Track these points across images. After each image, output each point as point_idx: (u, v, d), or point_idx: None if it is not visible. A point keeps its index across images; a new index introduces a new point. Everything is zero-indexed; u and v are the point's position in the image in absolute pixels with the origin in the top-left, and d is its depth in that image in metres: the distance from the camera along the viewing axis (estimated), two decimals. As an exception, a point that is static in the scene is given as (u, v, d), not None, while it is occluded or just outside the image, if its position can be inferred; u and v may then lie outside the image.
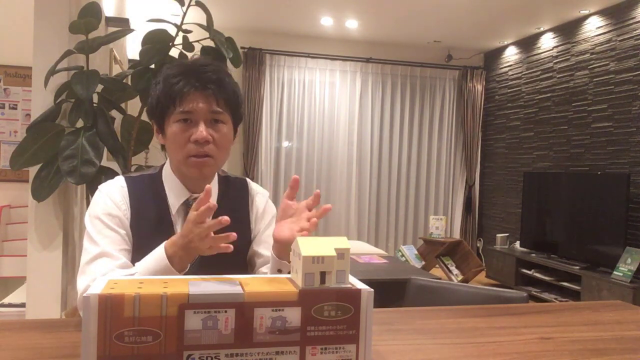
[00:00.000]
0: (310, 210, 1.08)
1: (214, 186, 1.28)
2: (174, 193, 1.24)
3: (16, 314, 2.84)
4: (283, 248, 1.09)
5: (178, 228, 1.22)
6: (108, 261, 1.13)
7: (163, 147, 1.26)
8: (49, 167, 2.32)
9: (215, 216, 1.25)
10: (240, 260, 1.29)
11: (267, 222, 1.34)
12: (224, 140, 1.21)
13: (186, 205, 1.23)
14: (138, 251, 1.17)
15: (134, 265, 1.14)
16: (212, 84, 1.17)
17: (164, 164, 1.29)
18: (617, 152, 4.53)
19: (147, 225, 1.19)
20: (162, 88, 1.19)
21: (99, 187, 1.24)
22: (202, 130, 1.16)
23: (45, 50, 2.41)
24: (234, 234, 0.96)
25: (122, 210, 1.19)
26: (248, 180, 1.38)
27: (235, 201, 1.30)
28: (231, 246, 0.97)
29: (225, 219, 0.95)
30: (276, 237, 1.08)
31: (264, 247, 1.29)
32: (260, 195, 1.36)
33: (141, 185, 1.24)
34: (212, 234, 0.98)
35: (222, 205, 1.23)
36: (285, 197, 1.11)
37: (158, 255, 1.06)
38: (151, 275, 1.04)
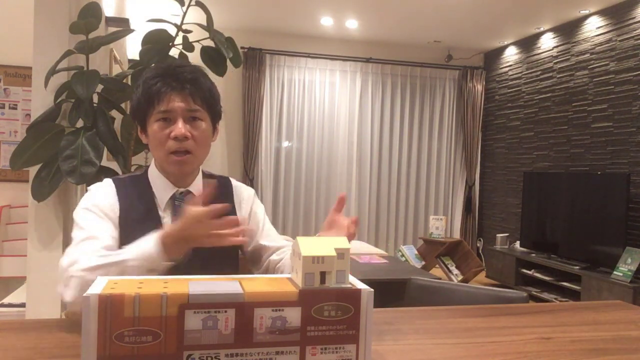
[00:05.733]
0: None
1: (198, 182, 1.33)
2: (161, 189, 1.29)
3: (16, 314, 2.84)
4: None
5: (165, 222, 1.26)
6: (94, 242, 1.15)
7: (147, 147, 1.33)
8: (49, 167, 2.32)
9: None
10: (230, 256, 1.34)
11: (262, 216, 1.42)
12: (202, 136, 1.26)
13: (173, 200, 1.28)
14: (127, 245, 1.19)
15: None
16: (188, 83, 1.23)
17: (150, 164, 1.34)
18: (617, 152, 4.53)
19: (136, 221, 1.23)
20: (141, 90, 1.25)
21: (89, 187, 1.29)
22: (180, 127, 1.21)
23: (45, 50, 2.41)
24: (244, 231, 1.07)
25: (110, 205, 1.23)
26: (231, 178, 1.43)
27: (218, 197, 1.32)
28: (240, 239, 1.07)
29: (235, 219, 1.06)
30: None
31: (268, 240, 1.39)
32: (247, 193, 1.42)
33: (128, 185, 1.28)
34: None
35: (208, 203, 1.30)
36: (333, 210, 1.21)
37: (150, 243, 1.07)
38: (140, 259, 1.05)
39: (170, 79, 1.22)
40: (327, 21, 5.51)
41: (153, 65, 1.31)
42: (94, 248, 1.14)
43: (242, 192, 1.40)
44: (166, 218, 1.26)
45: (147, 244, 1.08)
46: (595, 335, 1.15)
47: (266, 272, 1.36)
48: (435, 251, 5.57)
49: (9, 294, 3.17)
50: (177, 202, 1.27)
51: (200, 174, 1.35)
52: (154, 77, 1.24)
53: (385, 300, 1.86)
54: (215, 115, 1.30)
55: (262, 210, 1.42)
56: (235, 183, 1.41)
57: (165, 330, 0.71)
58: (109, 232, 1.20)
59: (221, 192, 1.35)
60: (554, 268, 4.76)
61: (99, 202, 1.22)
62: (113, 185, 1.27)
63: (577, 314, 1.34)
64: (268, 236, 1.39)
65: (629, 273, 3.99)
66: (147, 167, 1.34)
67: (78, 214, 1.22)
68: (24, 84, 3.96)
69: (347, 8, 5.09)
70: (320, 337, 0.77)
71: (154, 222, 1.24)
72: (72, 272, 1.08)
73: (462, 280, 5.25)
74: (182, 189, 1.29)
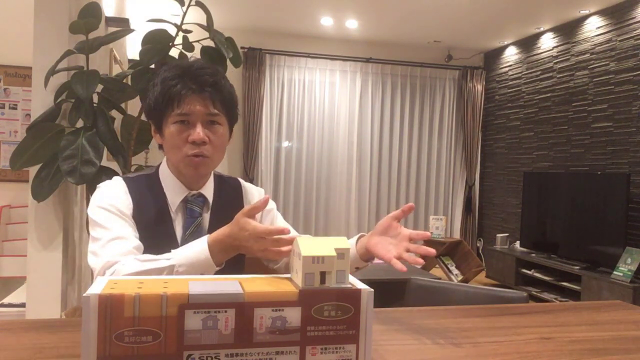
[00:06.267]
0: (411, 241, 1.13)
1: (210, 185, 1.31)
2: (173, 191, 1.26)
3: (16, 314, 2.84)
4: (370, 257, 1.20)
5: (177, 224, 1.25)
6: (124, 242, 1.14)
7: (160, 147, 1.29)
8: (49, 167, 2.32)
9: (212, 214, 1.28)
10: (236, 257, 1.31)
11: (275, 213, 1.40)
12: (220, 140, 1.24)
13: (185, 202, 1.26)
14: None
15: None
16: (208, 87, 1.20)
17: (160, 163, 1.32)
18: (617, 152, 4.53)
19: (148, 222, 1.21)
20: (159, 90, 1.21)
21: (99, 185, 1.26)
22: (199, 132, 1.19)
23: (45, 50, 2.41)
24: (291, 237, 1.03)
25: (125, 204, 1.21)
26: (241, 180, 1.42)
27: (229, 200, 1.32)
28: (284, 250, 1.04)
29: (291, 238, 1.03)
30: (372, 250, 1.15)
31: None
32: (257, 194, 1.39)
33: (139, 185, 1.26)
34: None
35: (218, 204, 1.30)
36: (392, 215, 1.17)
37: (199, 249, 1.08)
38: (189, 265, 1.07)
39: (191, 81, 1.19)
40: (327, 21, 5.51)
41: (173, 64, 1.26)
42: (125, 249, 1.12)
43: (253, 193, 1.38)
44: (177, 220, 1.25)
45: (196, 250, 1.08)
46: (595, 335, 1.15)
47: (286, 266, 1.33)
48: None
49: (9, 294, 3.17)
50: (189, 205, 1.26)
51: (212, 177, 1.33)
52: (174, 77, 1.20)
53: (385, 300, 1.86)
54: (232, 118, 1.29)
55: (273, 211, 1.40)
56: (245, 184, 1.39)
57: (165, 330, 0.71)
58: (132, 232, 1.18)
59: (231, 194, 1.34)
60: (554, 268, 4.76)
61: (114, 201, 1.20)
62: (124, 184, 1.24)
63: (577, 314, 1.34)
64: None
65: (629, 273, 3.99)
66: (157, 166, 1.31)
67: (96, 212, 1.19)
68: (24, 84, 3.96)
69: (347, 8, 5.09)
70: (320, 337, 0.77)
71: (166, 224, 1.23)
72: (112, 277, 1.07)
73: (462, 280, 5.25)
74: (194, 192, 1.27)
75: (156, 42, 2.43)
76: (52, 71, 2.28)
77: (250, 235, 1.04)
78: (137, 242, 1.16)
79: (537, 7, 4.81)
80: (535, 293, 4.87)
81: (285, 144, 6.17)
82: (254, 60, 5.88)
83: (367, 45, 6.26)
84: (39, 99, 2.41)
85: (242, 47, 5.76)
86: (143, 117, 2.33)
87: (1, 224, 3.77)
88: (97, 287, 0.72)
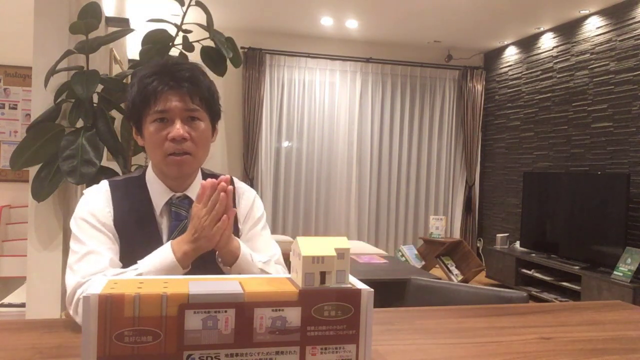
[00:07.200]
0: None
1: (196, 185, 1.27)
2: (157, 193, 1.24)
3: (16, 314, 2.84)
4: (221, 254, 1.18)
5: (163, 228, 1.22)
6: (98, 258, 1.12)
7: (143, 149, 1.26)
8: (49, 167, 2.31)
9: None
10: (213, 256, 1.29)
11: (255, 221, 1.33)
12: (201, 137, 1.21)
13: (170, 205, 1.23)
14: (124, 252, 1.17)
15: (122, 264, 1.15)
16: (186, 82, 1.17)
17: (147, 166, 1.29)
18: (617, 152, 4.53)
19: (132, 227, 1.19)
20: (136, 89, 1.19)
21: (84, 191, 1.24)
22: (178, 128, 1.16)
23: (45, 50, 2.40)
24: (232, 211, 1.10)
25: (105, 213, 1.18)
26: (234, 178, 1.38)
27: None
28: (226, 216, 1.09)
29: (228, 188, 1.10)
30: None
31: (250, 246, 1.25)
32: (247, 194, 1.35)
33: (124, 189, 1.23)
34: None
35: None
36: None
37: (164, 253, 1.09)
38: (156, 272, 1.06)
39: (167, 78, 1.16)
40: (327, 21, 5.51)
41: (150, 63, 1.24)
42: (97, 267, 1.10)
43: (244, 192, 1.35)
44: (164, 223, 1.22)
45: (163, 255, 1.08)
46: (595, 335, 1.15)
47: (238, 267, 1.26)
48: (435, 251, 5.58)
49: (9, 294, 3.17)
50: (173, 208, 1.23)
51: (200, 176, 1.30)
52: (150, 75, 1.18)
53: (385, 300, 1.86)
54: (214, 114, 1.25)
55: (258, 214, 1.34)
56: (238, 184, 1.36)
57: (165, 330, 0.71)
58: (108, 244, 1.16)
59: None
60: (554, 268, 4.76)
61: (94, 210, 1.18)
62: (108, 189, 1.22)
63: (577, 314, 1.34)
64: (249, 241, 1.27)
65: (629, 273, 3.99)
66: (146, 167, 1.29)
67: (75, 224, 1.17)
68: (24, 84, 3.96)
69: (347, 8, 5.09)
70: (320, 337, 0.77)
71: (151, 228, 1.20)
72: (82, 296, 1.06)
73: (462, 280, 5.25)
74: (179, 194, 1.24)
75: (156, 42, 2.43)
76: (52, 71, 2.28)
77: (204, 217, 1.07)
78: (112, 256, 1.14)
79: (537, 7, 4.81)
80: (535, 293, 4.87)
81: (285, 144, 6.16)
82: (254, 60, 5.87)
83: (367, 45, 6.26)
84: (39, 99, 2.41)
85: (242, 47, 5.76)
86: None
87: (1, 224, 3.77)
88: (97, 287, 0.72)
